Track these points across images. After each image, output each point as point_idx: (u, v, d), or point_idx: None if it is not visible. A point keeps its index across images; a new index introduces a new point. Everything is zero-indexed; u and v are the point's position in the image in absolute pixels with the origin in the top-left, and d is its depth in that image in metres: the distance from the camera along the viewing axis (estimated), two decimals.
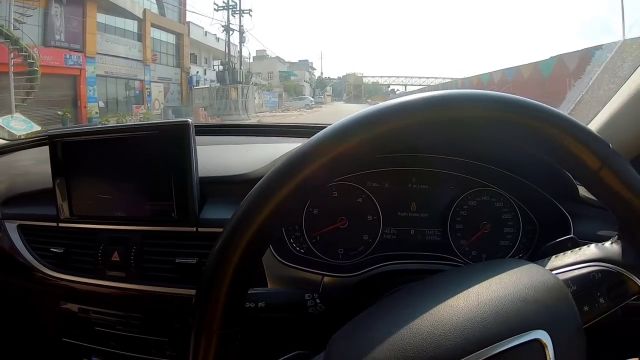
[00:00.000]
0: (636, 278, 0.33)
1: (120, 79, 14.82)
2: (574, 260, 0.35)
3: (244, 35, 19.12)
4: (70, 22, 12.12)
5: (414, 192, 0.64)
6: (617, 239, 0.35)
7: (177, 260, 0.59)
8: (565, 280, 0.32)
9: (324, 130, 0.30)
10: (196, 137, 0.61)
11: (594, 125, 0.71)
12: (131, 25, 15.08)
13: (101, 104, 13.41)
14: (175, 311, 0.61)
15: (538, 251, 0.62)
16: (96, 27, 13.12)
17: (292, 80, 30.37)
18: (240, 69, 19.21)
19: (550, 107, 0.32)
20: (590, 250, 0.35)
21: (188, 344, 0.31)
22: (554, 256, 0.37)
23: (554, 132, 0.31)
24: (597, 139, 0.31)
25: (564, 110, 0.78)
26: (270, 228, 0.30)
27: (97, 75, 13.37)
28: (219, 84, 17.97)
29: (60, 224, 0.68)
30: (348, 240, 0.62)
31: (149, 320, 0.64)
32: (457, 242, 0.63)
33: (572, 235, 0.44)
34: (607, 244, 0.35)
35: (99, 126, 0.66)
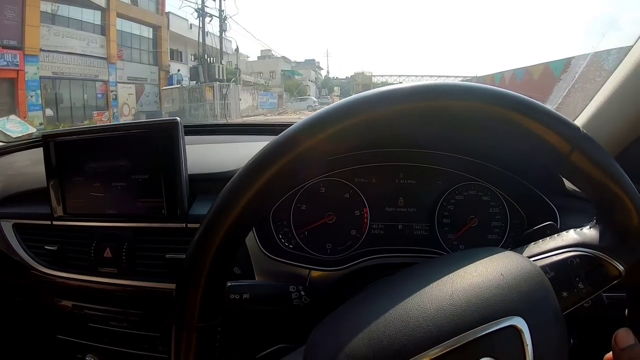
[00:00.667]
0: (615, 261, 0.32)
1: (75, 80, 11.85)
2: (552, 247, 0.35)
3: (225, 21, 15.39)
4: (1, 12, 9.51)
5: (401, 187, 0.65)
6: (595, 223, 0.35)
7: (167, 255, 0.61)
8: (543, 267, 0.32)
9: (301, 120, 0.31)
10: (186, 136, 0.62)
11: (581, 119, 0.72)
12: (91, 16, 12.04)
13: (49, 112, 10.87)
14: (166, 306, 0.62)
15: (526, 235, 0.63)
16: (39, 17, 10.37)
17: (295, 79, 28.57)
18: (220, 63, 15.42)
19: (517, 94, 0.32)
20: (569, 235, 0.35)
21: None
22: (532, 243, 0.37)
23: (522, 119, 0.31)
24: (566, 122, 0.31)
25: (551, 104, 0.79)
26: (246, 221, 0.31)
27: (42, 77, 10.63)
28: (195, 82, 14.65)
29: (54, 222, 0.69)
30: (336, 236, 0.63)
31: (141, 315, 0.66)
32: (444, 237, 0.64)
33: (551, 222, 0.45)
34: (585, 228, 0.35)
35: (91, 126, 0.68)
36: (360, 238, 0.63)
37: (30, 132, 1.00)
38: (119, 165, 0.63)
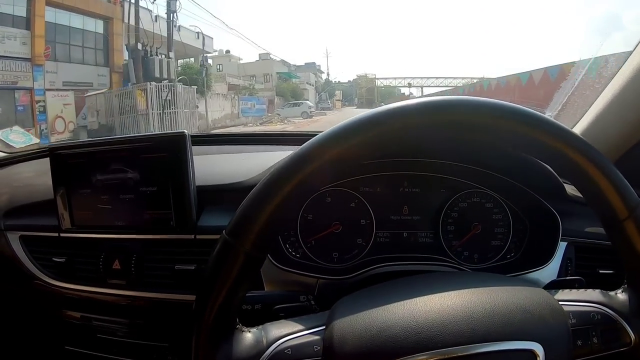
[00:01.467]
0: (630, 330, 0.35)
1: None
2: (579, 298, 0.38)
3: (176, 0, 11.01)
4: None
5: (405, 195, 0.66)
6: (622, 290, 0.37)
7: (176, 267, 0.62)
8: (567, 312, 0.35)
9: (321, 134, 0.33)
10: (194, 147, 0.63)
11: (581, 126, 0.74)
12: (9, 5, 8.97)
13: None
14: (175, 317, 0.64)
15: (529, 250, 0.65)
16: None
17: (292, 82, 26.94)
18: (168, 57, 11.20)
19: (586, 141, 0.34)
20: (596, 293, 0.38)
21: (188, 349, 0.34)
22: (561, 290, 0.39)
23: (591, 169, 0.33)
24: (629, 188, 0.34)
25: (551, 111, 0.81)
26: (269, 233, 0.33)
27: None
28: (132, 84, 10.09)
29: (62, 234, 0.70)
30: (342, 244, 0.65)
31: (150, 326, 0.67)
32: (449, 243, 0.66)
33: (579, 277, 0.47)
34: (613, 292, 0.38)
35: (98, 139, 0.69)
36: (367, 246, 0.65)
37: (33, 143, 1.00)
38: (126, 177, 0.64)
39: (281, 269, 0.59)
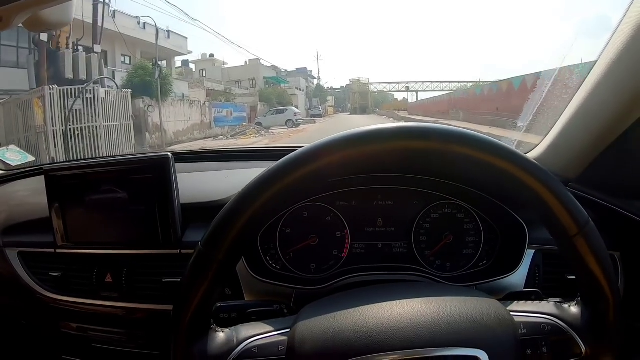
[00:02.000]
0: (581, 342, 0.38)
1: None
2: (532, 310, 0.40)
3: None
4: None
5: (380, 208, 0.70)
6: (576, 303, 0.40)
7: (164, 279, 0.66)
8: (518, 322, 0.38)
9: (288, 156, 0.37)
10: (179, 164, 0.67)
11: (551, 136, 0.77)
12: None
13: None
14: (164, 326, 0.68)
15: (499, 258, 0.69)
16: None
17: (279, 87, 24.70)
18: (94, 50, 8.45)
19: (539, 164, 0.37)
20: (549, 305, 0.41)
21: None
22: (516, 302, 0.42)
23: (540, 189, 0.36)
24: (580, 209, 0.37)
25: (522, 122, 0.84)
26: (239, 243, 0.37)
27: None
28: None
29: (58, 250, 0.74)
30: (319, 256, 0.69)
31: (141, 335, 0.71)
32: (421, 253, 0.70)
33: (537, 289, 0.51)
34: (566, 305, 0.40)
35: (90, 161, 0.73)
36: (343, 257, 0.69)
37: (29, 161, 1.05)
38: (116, 197, 0.69)
39: (260, 281, 0.63)
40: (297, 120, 17.40)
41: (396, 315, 0.36)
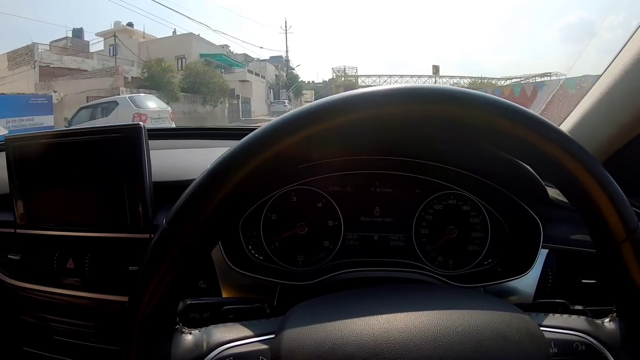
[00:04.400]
0: None
1: None
2: (563, 325, 0.35)
3: None
4: None
5: (377, 196, 0.64)
6: (610, 320, 0.35)
7: (130, 267, 0.59)
8: (549, 340, 0.33)
9: (275, 120, 0.30)
10: (151, 141, 0.60)
11: (565, 125, 0.71)
12: None
13: None
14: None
15: (508, 257, 0.62)
16: None
17: (216, 72, 17.17)
18: None
19: (588, 152, 0.31)
20: (581, 321, 0.36)
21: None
22: (543, 314, 0.37)
23: (594, 187, 0.30)
24: (629, 209, 0.31)
25: (535, 109, 0.78)
26: (214, 225, 0.30)
27: None
28: None
29: (18, 230, 0.67)
30: (308, 247, 0.62)
31: (106, 328, 0.64)
32: (422, 248, 0.63)
33: (564, 300, 0.44)
34: (600, 321, 0.35)
35: (54, 130, 0.66)
36: (334, 249, 0.62)
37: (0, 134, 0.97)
38: (82, 172, 0.62)
39: (240, 273, 0.56)
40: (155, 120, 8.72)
41: (412, 327, 0.29)
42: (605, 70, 0.65)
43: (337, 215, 0.62)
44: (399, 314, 0.30)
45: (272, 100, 24.49)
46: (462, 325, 0.29)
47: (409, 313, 0.30)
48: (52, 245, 0.65)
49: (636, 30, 0.60)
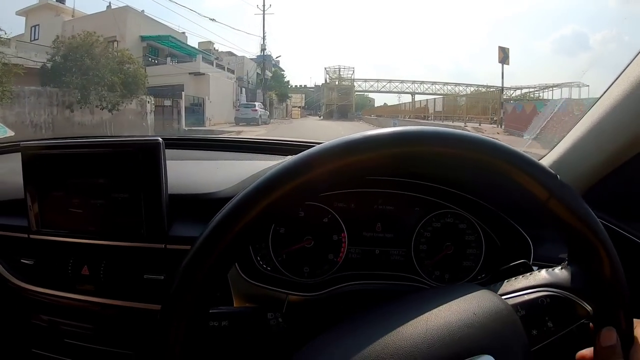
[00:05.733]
0: (583, 302, 0.36)
1: None
2: (524, 285, 0.38)
3: None
4: None
5: (379, 213, 0.68)
6: (567, 264, 0.38)
7: (145, 276, 0.63)
8: (515, 305, 0.36)
9: (291, 158, 0.34)
10: (167, 150, 0.64)
11: (556, 152, 0.76)
12: None
13: None
14: (142, 325, 0.65)
15: (500, 273, 0.67)
16: None
17: (190, 61, 15.67)
18: None
19: (500, 142, 0.36)
20: (541, 275, 0.39)
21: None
22: (506, 281, 0.40)
23: (505, 167, 0.34)
24: (545, 171, 0.35)
25: (529, 134, 0.83)
26: (235, 249, 0.34)
27: None
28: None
29: (31, 236, 0.70)
30: (313, 259, 0.66)
31: (117, 333, 0.68)
32: (420, 263, 0.68)
33: (524, 260, 0.48)
34: (557, 269, 0.39)
35: (72, 140, 0.69)
36: (338, 262, 0.67)
37: (8, 135, 1.00)
38: (99, 182, 0.65)
39: (250, 283, 0.60)
40: None
41: (389, 351, 0.31)
42: (597, 101, 0.70)
43: (342, 230, 0.67)
44: (386, 337, 0.32)
45: (238, 105, 18.41)
46: (434, 325, 0.32)
47: (393, 332, 0.32)
48: (67, 251, 0.68)
49: (626, 67, 0.65)
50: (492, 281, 0.41)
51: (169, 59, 16.77)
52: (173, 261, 0.63)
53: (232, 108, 18.34)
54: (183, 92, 14.58)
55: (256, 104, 18.26)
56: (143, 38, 15.25)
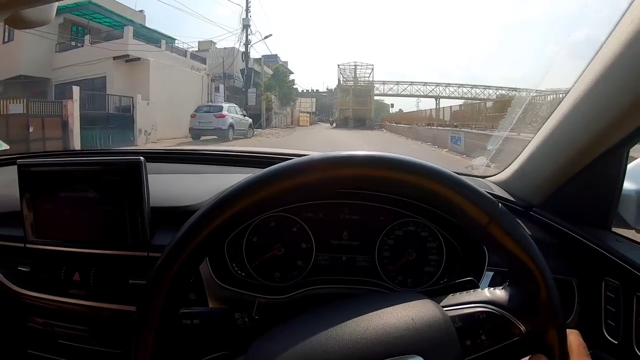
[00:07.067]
0: (518, 322, 0.40)
1: None
2: (466, 300, 0.42)
3: None
4: None
5: (345, 222, 0.75)
6: (507, 285, 0.43)
7: (130, 281, 0.70)
8: (453, 317, 0.40)
9: (255, 174, 0.39)
10: (149, 163, 0.71)
11: (517, 163, 0.82)
12: None
13: None
14: (129, 325, 0.72)
15: (460, 277, 0.73)
16: None
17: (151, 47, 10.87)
18: None
19: (444, 169, 0.40)
20: (483, 293, 0.43)
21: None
22: (450, 294, 0.44)
23: (449, 193, 0.39)
24: (486, 198, 0.39)
25: (492, 146, 0.89)
26: (199, 255, 0.40)
27: None
28: None
29: (27, 245, 0.78)
30: (284, 265, 0.73)
31: (106, 333, 0.75)
32: (384, 268, 0.74)
33: (471, 278, 0.53)
34: (498, 289, 0.43)
35: (63, 158, 0.77)
36: (306, 268, 0.73)
37: (3, 149, 1.07)
38: (87, 195, 0.72)
39: (224, 287, 0.67)
40: None
41: (331, 342, 0.37)
42: (550, 115, 0.76)
43: (310, 239, 0.74)
44: (324, 333, 0.37)
45: (198, 106, 11.94)
46: (367, 325, 0.37)
47: (332, 329, 0.38)
48: (60, 259, 0.75)
49: (574, 84, 0.70)
50: (439, 293, 0.45)
51: (87, 38, 10.66)
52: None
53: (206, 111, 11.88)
54: (106, 85, 10.05)
55: (224, 105, 11.74)
56: (59, 10, 10.81)
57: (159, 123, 11.14)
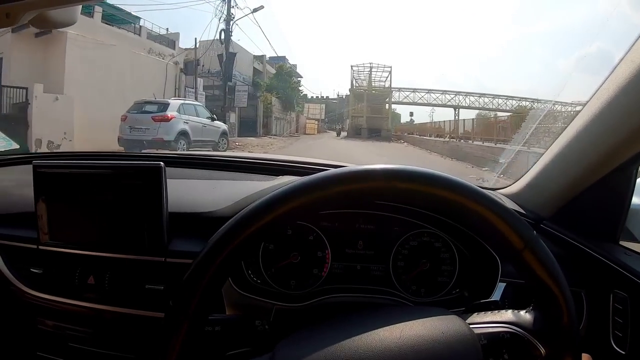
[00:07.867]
0: (539, 344, 0.43)
1: None
2: (491, 320, 0.45)
3: None
4: None
5: (361, 231, 0.77)
6: (532, 309, 0.45)
7: (147, 286, 0.71)
8: (479, 334, 0.43)
9: (286, 187, 0.41)
10: (168, 168, 0.72)
11: (528, 176, 0.85)
12: None
13: None
14: (143, 331, 0.72)
15: (473, 288, 0.75)
16: None
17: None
18: None
19: (483, 190, 0.42)
20: (507, 314, 0.46)
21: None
22: (476, 313, 0.47)
23: (490, 216, 0.41)
24: (523, 223, 0.42)
25: (504, 158, 0.92)
26: (231, 263, 0.41)
27: None
28: None
29: (40, 247, 0.78)
30: (300, 273, 0.75)
31: (119, 338, 0.75)
32: (398, 278, 0.76)
33: (496, 299, 0.55)
34: (522, 312, 0.46)
35: (80, 162, 0.77)
36: (322, 277, 0.75)
37: (13, 148, 1.07)
38: (105, 198, 0.73)
39: (241, 294, 0.68)
40: None
41: (362, 347, 0.39)
42: (563, 131, 0.78)
43: (326, 247, 0.75)
44: (351, 340, 0.39)
45: (135, 103, 7.90)
46: (399, 336, 0.39)
47: (359, 337, 0.39)
48: (74, 262, 0.76)
49: (588, 101, 0.73)
50: (465, 312, 0.47)
51: None
52: (172, 273, 0.72)
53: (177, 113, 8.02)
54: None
55: (173, 102, 8.18)
56: None
57: (83, 128, 7.46)
